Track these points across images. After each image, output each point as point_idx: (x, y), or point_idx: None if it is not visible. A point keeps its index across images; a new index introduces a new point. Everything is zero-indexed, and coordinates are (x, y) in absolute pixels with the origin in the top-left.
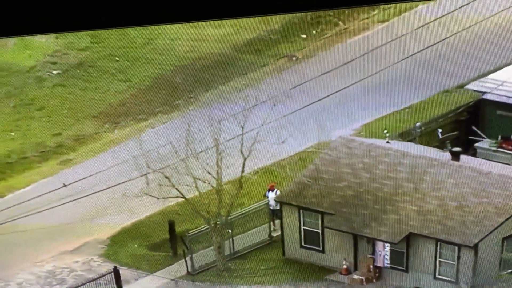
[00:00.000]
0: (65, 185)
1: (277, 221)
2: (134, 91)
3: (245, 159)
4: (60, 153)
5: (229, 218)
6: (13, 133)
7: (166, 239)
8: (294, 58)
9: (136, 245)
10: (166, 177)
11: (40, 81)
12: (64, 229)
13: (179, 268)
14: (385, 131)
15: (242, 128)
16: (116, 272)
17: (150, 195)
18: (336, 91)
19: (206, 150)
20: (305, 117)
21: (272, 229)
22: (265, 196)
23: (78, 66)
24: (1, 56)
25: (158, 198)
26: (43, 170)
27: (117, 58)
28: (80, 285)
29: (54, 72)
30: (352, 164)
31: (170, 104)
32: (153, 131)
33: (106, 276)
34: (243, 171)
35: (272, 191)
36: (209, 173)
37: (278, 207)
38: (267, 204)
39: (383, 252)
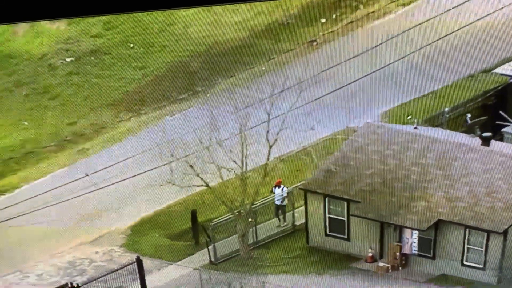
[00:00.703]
0: (87, 175)
1: (282, 216)
2: (150, 78)
3: (270, 146)
4: (76, 143)
5: (253, 206)
6: (26, 123)
7: (187, 228)
8: (314, 43)
9: (157, 235)
10: (190, 166)
11: (52, 69)
12: (84, 220)
13: (201, 257)
14: (409, 117)
15: (268, 114)
16: (138, 262)
17: (174, 184)
18: (361, 77)
19: (230, 137)
20: (328, 104)
21: (277, 225)
22: (272, 192)
23: (92, 53)
24: (12, 43)
25: (181, 187)
26: (59, 160)
27: (131, 45)
28: (103, 276)
29: (67, 59)
30: (379, 150)
31: (187, 91)
32: (171, 119)
33: (128, 266)
34: (268, 158)
35: (279, 187)
36: (233, 161)
37: (284, 203)
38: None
39: (411, 240)
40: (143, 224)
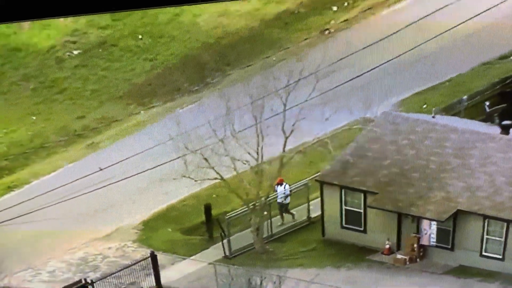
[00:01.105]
0: (101, 169)
1: (286, 215)
2: (159, 70)
3: (286, 137)
4: (85, 137)
5: (268, 199)
6: (34, 117)
7: (200, 222)
8: (326, 32)
9: (169, 230)
10: (205, 159)
11: (60, 61)
12: (96, 215)
13: (215, 252)
14: (425, 106)
15: (284, 105)
16: (153, 257)
17: (189, 178)
18: (376, 67)
19: (244, 129)
20: (343, 94)
21: (280, 223)
22: (274, 190)
23: (100, 45)
24: (18, 36)
25: (196, 181)
26: (68, 154)
27: (140, 36)
28: (117, 272)
29: (75, 52)
30: (397, 140)
31: (198, 83)
32: (182, 112)
33: (142, 261)
34: (284, 150)
35: (281, 185)
36: (248, 153)
37: (287, 201)
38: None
39: (429, 231)
40: (155, 219)
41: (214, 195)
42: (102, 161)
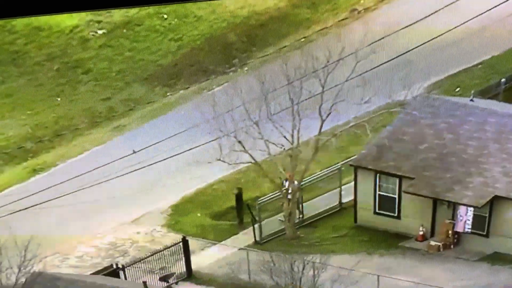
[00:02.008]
0: (134, 152)
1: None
2: (185, 50)
3: (323, 120)
4: (111, 119)
5: (301, 184)
6: (59, 99)
7: (229, 207)
8: (356, 12)
9: (199, 214)
10: (239, 142)
11: (84, 41)
12: (124, 200)
13: (245, 237)
14: (457, 89)
15: (323, 87)
16: (184, 242)
17: (224, 161)
18: (408, 51)
19: (280, 112)
20: (377, 76)
21: (297, 217)
22: (283, 185)
23: (125, 25)
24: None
25: (230, 164)
26: (94, 137)
27: (165, 16)
28: (148, 257)
29: (99, 31)
30: (434, 124)
31: (225, 64)
32: (209, 94)
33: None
34: (320, 133)
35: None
36: (284, 136)
37: (297, 196)
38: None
39: (465, 217)
40: (184, 203)
41: (242, 180)
42: (129, 144)
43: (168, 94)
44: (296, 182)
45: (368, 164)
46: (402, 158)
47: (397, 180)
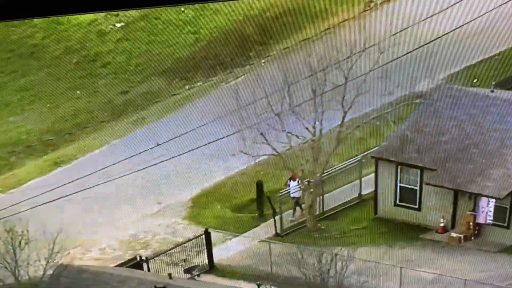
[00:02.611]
0: (158, 144)
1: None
2: (202, 43)
3: (345, 112)
4: (130, 112)
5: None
6: (78, 92)
7: (249, 200)
8: (372, 4)
9: (219, 207)
10: (261, 134)
11: (102, 35)
12: (145, 192)
13: (265, 229)
14: (475, 80)
15: (346, 78)
16: (207, 234)
17: (246, 153)
18: (428, 42)
19: (301, 103)
20: (397, 68)
21: (290, 219)
22: (286, 185)
23: (142, 18)
24: None
25: (252, 156)
26: (114, 130)
27: (182, 9)
28: (171, 249)
29: (117, 25)
30: (456, 115)
31: (243, 57)
32: (228, 86)
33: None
34: (342, 125)
35: (294, 180)
36: (306, 128)
37: (299, 194)
38: (289, 193)
39: (486, 208)
40: (204, 196)
41: (262, 172)
42: (148, 137)
43: (186, 87)
44: (316, 176)
45: (389, 156)
46: (423, 150)
47: (419, 172)
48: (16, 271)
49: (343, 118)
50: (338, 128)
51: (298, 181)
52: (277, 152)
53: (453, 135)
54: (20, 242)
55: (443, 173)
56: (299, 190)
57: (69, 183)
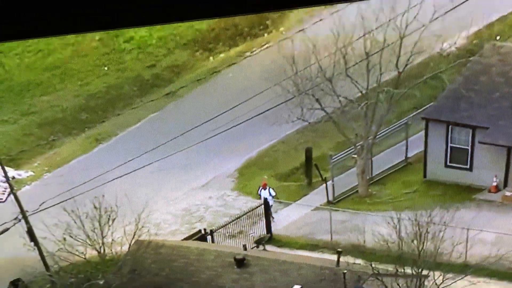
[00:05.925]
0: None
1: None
2: None
3: (400, 73)
4: (159, 86)
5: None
6: (106, 68)
7: (294, 168)
8: None
9: (265, 176)
10: (316, 100)
11: None
12: (190, 165)
13: (316, 197)
14: (498, 37)
15: (401, 38)
16: (266, 204)
17: (303, 120)
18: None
19: (353, 65)
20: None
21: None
22: (258, 194)
23: None
24: None
25: (309, 123)
26: (148, 105)
27: None
28: (234, 220)
29: None
30: (505, 72)
31: (262, 26)
32: (251, 58)
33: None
34: (397, 87)
35: (265, 189)
36: (360, 92)
37: (272, 202)
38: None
39: None
40: (249, 167)
41: (301, 140)
42: (183, 111)
43: (210, 58)
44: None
45: (440, 116)
46: (475, 108)
47: (470, 131)
48: (102, 248)
49: (398, 80)
50: (392, 90)
51: (269, 190)
52: (330, 117)
53: (503, 92)
54: (108, 219)
55: (496, 131)
56: (272, 200)
57: (138, 157)
